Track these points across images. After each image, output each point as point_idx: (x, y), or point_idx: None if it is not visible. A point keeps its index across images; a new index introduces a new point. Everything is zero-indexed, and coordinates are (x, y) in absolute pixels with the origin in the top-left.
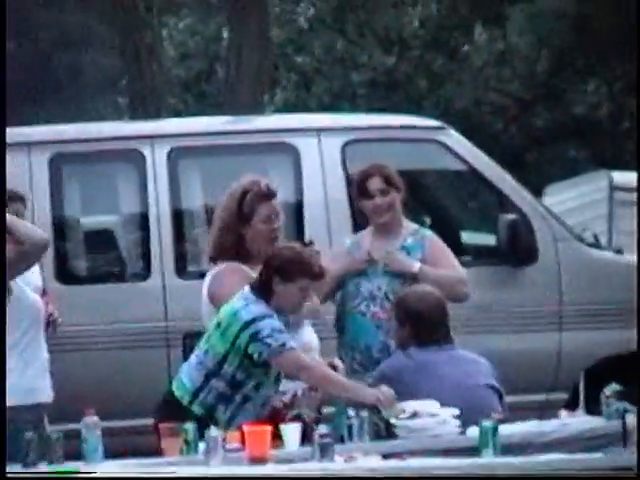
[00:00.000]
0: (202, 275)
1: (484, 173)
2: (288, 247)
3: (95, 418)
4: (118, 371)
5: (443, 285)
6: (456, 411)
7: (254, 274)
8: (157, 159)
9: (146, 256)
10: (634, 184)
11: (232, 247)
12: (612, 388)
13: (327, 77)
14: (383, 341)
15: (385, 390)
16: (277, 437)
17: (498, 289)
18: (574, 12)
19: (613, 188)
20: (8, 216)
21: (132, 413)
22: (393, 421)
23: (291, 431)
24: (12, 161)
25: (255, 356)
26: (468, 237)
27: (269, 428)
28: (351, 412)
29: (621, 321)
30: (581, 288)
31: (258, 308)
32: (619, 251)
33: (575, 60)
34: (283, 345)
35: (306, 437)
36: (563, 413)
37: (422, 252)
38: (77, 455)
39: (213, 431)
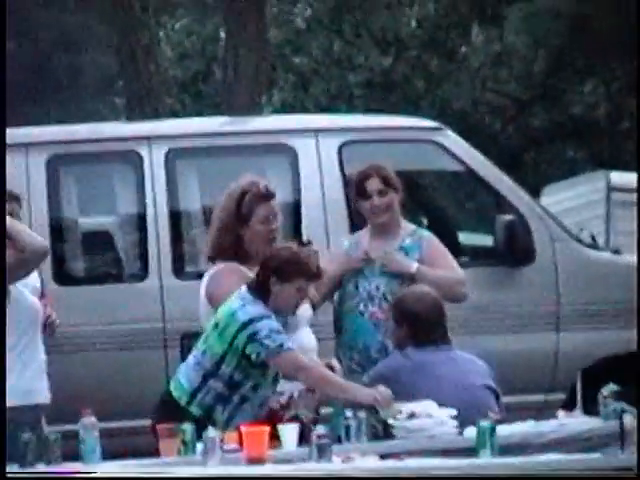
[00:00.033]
0: (200, 276)
1: (481, 174)
2: (285, 247)
3: (93, 419)
4: (116, 372)
5: (441, 285)
6: (453, 412)
7: (252, 274)
8: (154, 160)
9: (144, 257)
10: (632, 184)
11: (230, 247)
12: (609, 388)
13: (324, 78)
14: (381, 341)
15: (382, 390)
16: (275, 438)
17: (495, 290)
18: (571, 12)
19: (611, 188)
20: (9, 221)
21: (130, 414)
22: (391, 422)
23: (289, 432)
24: (10, 162)
25: (253, 357)
26: (465, 238)
27: (267, 429)
28: (349, 413)
29: (619, 321)
30: (578, 288)
31: (256, 309)
32: (617, 251)
33: (573, 60)
34: (281, 346)
35: (304, 438)
36: (561, 413)
37: (420, 253)
38: (75, 456)
39: (211, 432)
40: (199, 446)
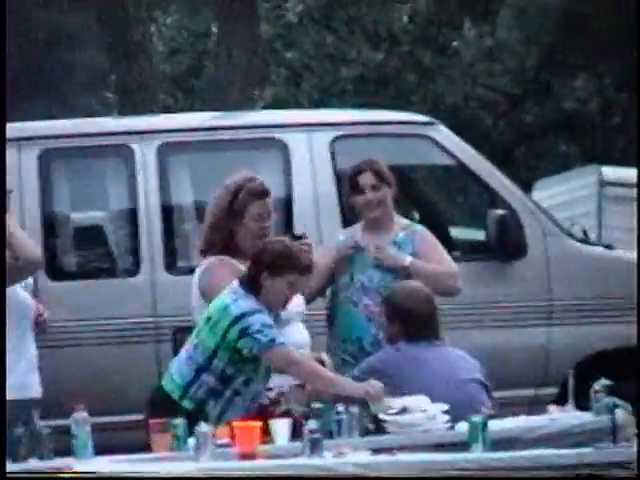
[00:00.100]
0: (192, 270)
1: (473, 168)
2: (276, 242)
3: (85, 414)
4: (108, 366)
5: (435, 279)
6: (445, 406)
7: (243, 268)
8: (146, 155)
9: (135, 252)
10: (624, 179)
11: (222, 242)
12: (601, 383)
13: (316, 73)
14: (374, 334)
15: (374, 384)
16: (266, 433)
17: (487, 284)
18: (563, 7)
19: (602, 183)
20: (12, 227)
21: (122, 409)
22: (382, 416)
23: (280, 427)
24: None
25: (245, 351)
26: (457, 232)
27: (258, 424)
28: (340, 408)
29: (610, 316)
30: (570, 283)
31: (247, 303)
32: (608, 246)
33: (564, 55)
34: (272, 340)
35: (295, 433)
36: (552, 408)
37: (413, 247)
38: (67, 451)
39: (203, 427)
40: (191, 441)
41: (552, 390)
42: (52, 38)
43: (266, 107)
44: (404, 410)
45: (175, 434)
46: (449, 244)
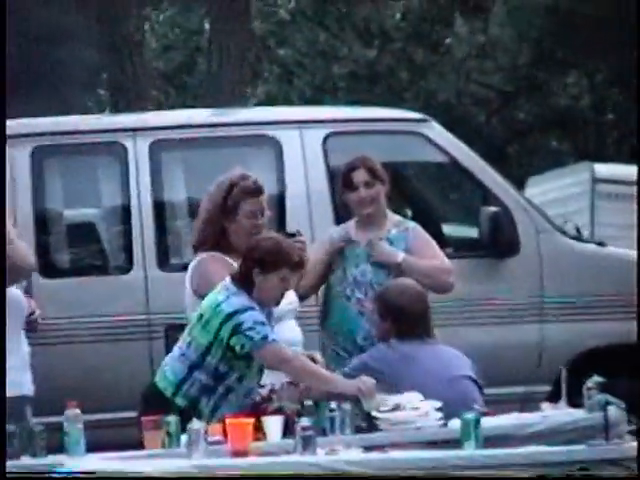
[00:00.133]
0: (184, 268)
1: (466, 165)
2: (267, 238)
3: (77, 411)
4: (100, 364)
5: (428, 275)
6: (438, 403)
7: (235, 264)
8: (139, 151)
9: (128, 249)
10: (616, 176)
11: (215, 238)
12: (594, 380)
13: (309, 70)
14: (367, 329)
15: (365, 380)
16: (259, 430)
17: (480, 281)
18: (555, 4)
19: (595, 180)
20: (12, 234)
21: (115, 406)
22: (374, 414)
23: (273, 424)
24: None
25: (237, 348)
26: (450, 229)
27: (251, 421)
28: (333, 405)
29: (603, 313)
30: (563, 280)
31: (240, 300)
32: (601, 243)
33: (556, 52)
34: (265, 338)
35: (288, 430)
36: (545, 405)
37: (406, 243)
38: (60, 448)
39: (195, 424)
40: (183, 438)
41: (545, 387)
42: (44, 36)
43: (259, 104)
44: (396, 407)
45: (168, 431)
46: (442, 241)
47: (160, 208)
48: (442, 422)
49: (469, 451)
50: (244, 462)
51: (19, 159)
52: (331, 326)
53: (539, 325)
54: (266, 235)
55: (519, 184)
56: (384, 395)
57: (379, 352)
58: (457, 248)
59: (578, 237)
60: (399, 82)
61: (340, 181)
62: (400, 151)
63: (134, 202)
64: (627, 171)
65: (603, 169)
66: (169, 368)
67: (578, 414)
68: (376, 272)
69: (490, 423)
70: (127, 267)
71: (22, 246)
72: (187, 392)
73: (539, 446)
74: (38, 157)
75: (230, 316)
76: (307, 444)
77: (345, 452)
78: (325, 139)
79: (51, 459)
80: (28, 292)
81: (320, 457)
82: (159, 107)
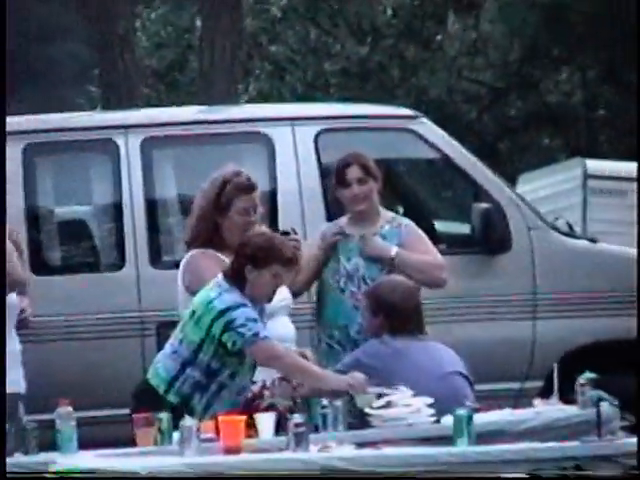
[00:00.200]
0: (176, 265)
1: (457, 162)
2: (259, 234)
3: (69, 408)
4: (93, 361)
5: (421, 270)
6: (430, 400)
7: (228, 261)
8: (131, 149)
9: (120, 246)
10: (608, 172)
11: (207, 235)
12: (586, 376)
13: (300, 67)
14: (361, 323)
15: (357, 375)
16: (251, 427)
17: (472, 278)
18: (547, 1)
19: (587, 176)
20: (10, 249)
21: (107, 403)
22: (367, 410)
23: (265, 420)
24: None
25: (229, 345)
26: (442, 226)
27: (243, 418)
28: (325, 402)
29: (595, 309)
30: (555, 276)
31: (232, 297)
32: (593, 239)
33: (548, 48)
34: (256, 334)
35: (280, 426)
36: (537, 401)
37: (399, 239)
38: (52, 445)
39: (187, 421)
40: (176, 435)
41: (537, 383)
42: (36, 32)
43: (250, 101)
44: (389, 404)
45: (160, 428)
46: (434, 237)
47: (152, 205)
48: (434, 418)
49: (462, 447)
50: (236, 459)
51: (11, 156)
52: (325, 319)
53: (531, 321)
54: (258, 231)
55: (511, 180)
56: (376, 388)
57: (372, 348)
58: (449, 245)
59: (570, 233)
60: (391, 79)
61: (333, 178)
62: (392, 148)
63: (126, 199)
64: (619, 167)
65: (595, 165)
66: (161, 365)
67: (571, 410)
68: (369, 266)
69: (483, 419)
70: (119, 264)
71: (19, 264)
72: (179, 389)
73: (532, 442)
74: (30, 154)
75: (222, 313)
76: (300, 441)
77: (338, 449)
78: (317, 136)
79: (43, 456)
80: (20, 290)
81: (313, 454)
82: (151, 104)
